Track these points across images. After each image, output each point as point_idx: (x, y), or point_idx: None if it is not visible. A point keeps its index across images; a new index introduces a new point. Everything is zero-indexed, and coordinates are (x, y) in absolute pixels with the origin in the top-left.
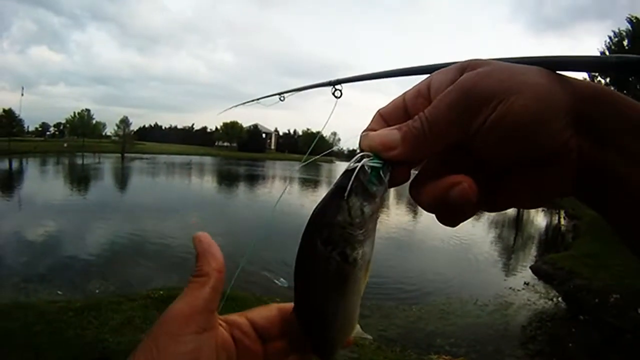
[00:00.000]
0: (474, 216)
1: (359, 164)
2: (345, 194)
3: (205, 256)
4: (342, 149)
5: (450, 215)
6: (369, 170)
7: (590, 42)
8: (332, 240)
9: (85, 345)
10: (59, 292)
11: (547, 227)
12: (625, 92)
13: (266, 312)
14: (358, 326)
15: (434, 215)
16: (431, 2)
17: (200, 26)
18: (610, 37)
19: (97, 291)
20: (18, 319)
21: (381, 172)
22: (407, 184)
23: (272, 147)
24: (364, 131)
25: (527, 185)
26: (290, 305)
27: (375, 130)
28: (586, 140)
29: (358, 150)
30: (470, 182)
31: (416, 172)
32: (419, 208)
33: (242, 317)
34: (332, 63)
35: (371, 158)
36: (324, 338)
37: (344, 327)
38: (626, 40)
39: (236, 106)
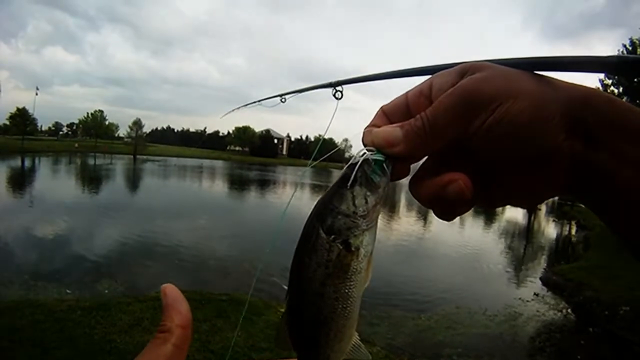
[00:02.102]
0: (485, 225)
1: (362, 157)
2: (349, 183)
3: (169, 311)
4: (353, 155)
5: (447, 211)
6: (373, 163)
7: (603, 49)
8: (336, 228)
9: (93, 345)
10: (68, 291)
11: (558, 237)
12: (638, 101)
13: None
14: (356, 334)
15: (438, 218)
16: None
17: (213, 30)
18: (624, 45)
19: (106, 291)
20: (26, 316)
21: (384, 165)
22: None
23: (284, 152)
24: (367, 127)
25: (522, 184)
26: None
27: (378, 127)
28: (579, 141)
29: (361, 146)
30: (465, 180)
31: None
32: (429, 216)
33: None
34: (346, 70)
35: (374, 152)
36: (315, 343)
37: (341, 331)
38: None
39: (238, 108)
